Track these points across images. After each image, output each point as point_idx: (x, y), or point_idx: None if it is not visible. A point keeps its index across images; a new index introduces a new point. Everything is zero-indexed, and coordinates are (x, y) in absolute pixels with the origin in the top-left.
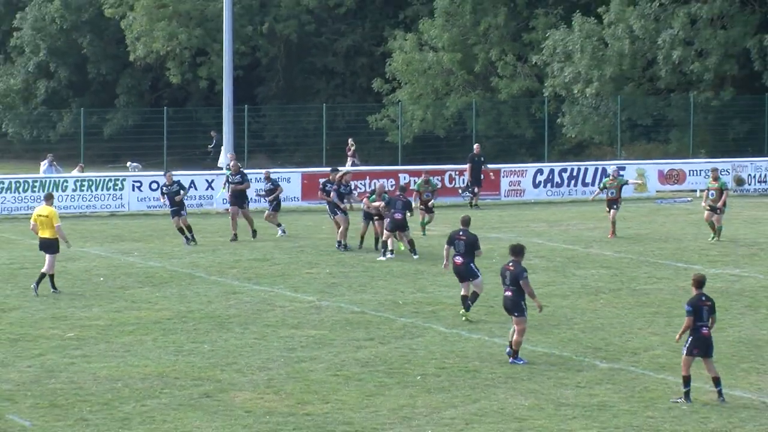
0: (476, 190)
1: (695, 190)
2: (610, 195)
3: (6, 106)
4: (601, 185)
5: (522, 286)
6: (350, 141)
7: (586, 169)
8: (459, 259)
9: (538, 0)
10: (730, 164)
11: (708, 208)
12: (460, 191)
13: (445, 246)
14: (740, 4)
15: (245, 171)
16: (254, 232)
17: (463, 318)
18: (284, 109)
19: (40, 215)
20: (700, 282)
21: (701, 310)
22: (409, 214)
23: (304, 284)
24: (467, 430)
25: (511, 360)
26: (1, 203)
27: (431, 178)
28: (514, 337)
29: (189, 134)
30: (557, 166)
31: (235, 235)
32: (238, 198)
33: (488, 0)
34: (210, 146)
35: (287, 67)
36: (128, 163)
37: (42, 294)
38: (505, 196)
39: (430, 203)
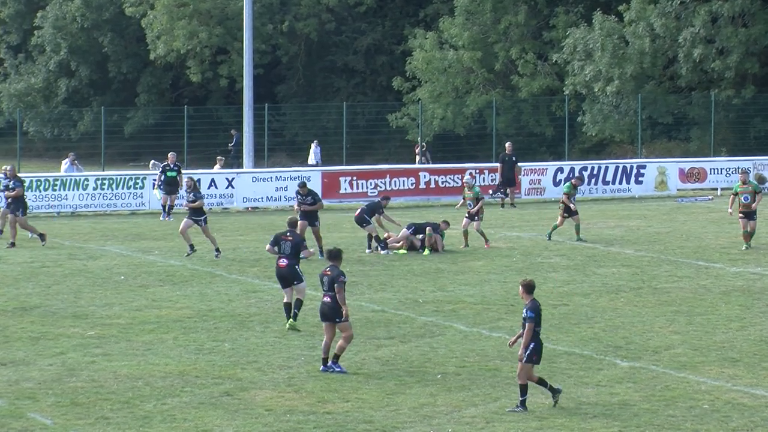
0: (508, 190)
1: (716, 189)
2: (743, 201)
3: (27, 104)
4: (734, 190)
5: (336, 292)
6: (419, 140)
7: (607, 168)
8: (284, 262)
9: None
10: (751, 163)
11: (742, 214)
12: (491, 192)
13: (268, 247)
14: (761, 2)
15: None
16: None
17: (288, 328)
18: (304, 108)
19: None
20: (531, 287)
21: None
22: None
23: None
24: (487, 428)
25: (322, 368)
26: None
27: (474, 186)
28: (340, 342)
29: (209, 133)
30: (578, 164)
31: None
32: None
33: None
34: (230, 145)
35: (307, 65)
36: (151, 162)
37: (63, 292)
38: (525, 195)
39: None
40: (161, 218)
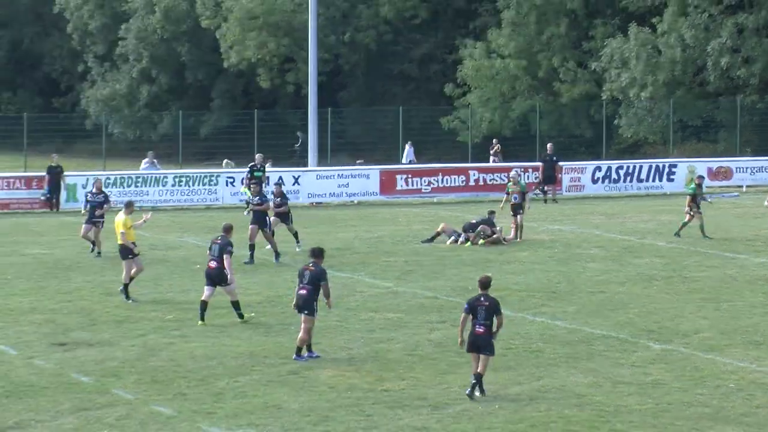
0: (548, 187)
1: (741, 186)
2: None
3: (112, 108)
4: None
5: (322, 287)
6: (495, 141)
7: (641, 167)
8: (213, 263)
9: (597, 11)
10: None
11: None
12: (534, 188)
13: (208, 253)
14: None
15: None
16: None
17: (200, 324)
18: (364, 112)
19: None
20: (483, 283)
21: (476, 309)
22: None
23: (382, 271)
24: (531, 405)
25: (294, 357)
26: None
27: (521, 180)
28: (300, 334)
29: (277, 134)
30: (614, 163)
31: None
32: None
33: (551, 11)
34: (296, 145)
35: (367, 73)
36: (224, 161)
37: (144, 280)
38: (566, 191)
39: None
40: (245, 213)
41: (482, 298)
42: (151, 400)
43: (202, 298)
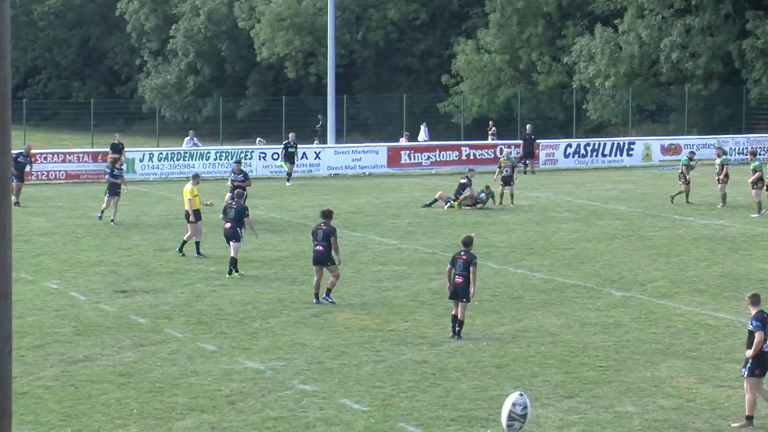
0: (528, 161)
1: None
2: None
3: (164, 95)
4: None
5: (332, 243)
6: (491, 123)
7: (605, 144)
8: (228, 224)
9: (569, 14)
10: (716, 140)
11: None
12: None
13: (221, 216)
14: (724, 17)
15: (345, 145)
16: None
17: (229, 276)
18: (374, 98)
19: (185, 190)
20: (464, 242)
21: (455, 261)
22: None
23: (389, 231)
24: (513, 342)
25: (324, 297)
26: (160, 169)
27: (512, 157)
28: (331, 279)
29: (301, 117)
30: (583, 141)
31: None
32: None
33: (530, 14)
34: (317, 126)
35: (376, 65)
36: (257, 139)
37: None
38: (542, 165)
39: (512, 178)
40: (287, 184)
41: (462, 253)
42: (197, 338)
43: (232, 255)
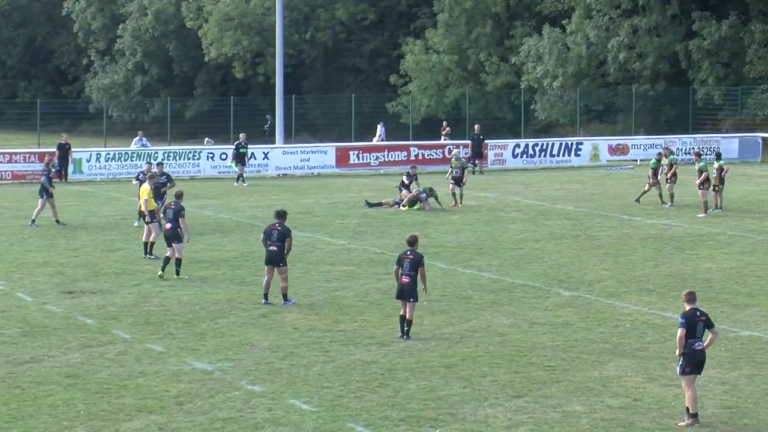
0: (476, 161)
1: (636, 160)
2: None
3: (111, 95)
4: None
5: (286, 243)
6: (444, 123)
7: (553, 144)
8: (168, 225)
9: (517, 14)
10: (663, 140)
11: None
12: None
13: (161, 215)
14: (671, 18)
15: (294, 145)
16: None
17: (159, 277)
18: (322, 98)
19: (141, 190)
20: (409, 241)
21: (402, 261)
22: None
23: (337, 231)
24: (462, 342)
25: (283, 303)
26: (108, 170)
27: (462, 158)
28: (281, 284)
29: (250, 117)
30: (531, 141)
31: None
32: None
33: (478, 14)
34: (266, 126)
35: (325, 65)
36: (205, 139)
37: (138, 239)
38: (491, 165)
39: (462, 179)
40: (235, 184)
41: (408, 252)
42: (145, 339)
43: (166, 255)
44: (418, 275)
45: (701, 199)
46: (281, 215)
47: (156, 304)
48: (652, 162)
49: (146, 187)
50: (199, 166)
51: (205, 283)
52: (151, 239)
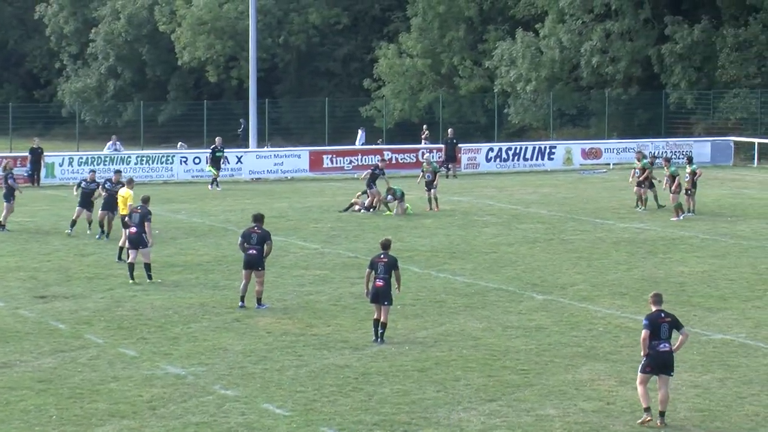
0: (450, 165)
1: (609, 164)
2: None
3: (84, 99)
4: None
5: (266, 246)
6: (425, 127)
7: (526, 148)
8: (133, 229)
9: (490, 18)
10: (635, 144)
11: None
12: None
13: (126, 219)
14: (643, 22)
15: (267, 149)
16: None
17: (132, 283)
18: (296, 102)
19: (121, 195)
20: (383, 244)
21: (376, 265)
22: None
23: (311, 235)
24: (435, 346)
25: (257, 308)
26: (81, 174)
27: (433, 162)
28: (257, 288)
29: (223, 121)
30: (504, 145)
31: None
32: None
33: (452, 18)
34: (239, 130)
35: (298, 69)
36: (179, 143)
37: (111, 243)
38: (464, 169)
39: (433, 183)
40: (209, 188)
41: (382, 256)
42: (118, 344)
43: (129, 261)
44: (393, 278)
45: (672, 204)
46: (258, 218)
47: (129, 309)
48: (644, 162)
49: (131, 192)
50: (172, 171)
51: (179, 287)
52: (123, 244)
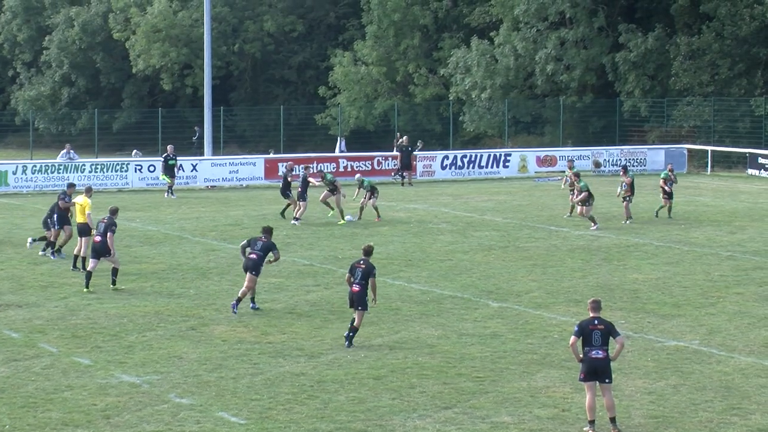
0: (404, 173)
1: (564, 171)
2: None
3: (38, 107)
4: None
5: (273, 253)
6: (398, 134)
7: (481, 155)
8: (98, 238)
9: (445, 26)
10: (590, 152)
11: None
12: (393, 174)
13: (93, 231)
14: (598, 30)
15: (222, 157)
16: None
17: (87, 291)
18: (251, 110)
19: (78, 203)
20: (365, 251)
21: (354, 270)
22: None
23: None
24: (391, 353)
25: (232, 304)
26: (34, 182)
27: (364, 180)
28: (244, 287)
29: (178, 129)
30: (459, 153)
31: None
32: None
33: (407, 26)
34: (194, 138)
35: (253, 77)
36: (133, 151)
37: (66, 251)
38: (420, 176)
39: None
40: (165, 196)
41: (361, 262)
42: (72, 353)
43: (88, 269)
44: (369, 285)
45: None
46: (267, 231)
47: (83, 317)
48: (664, 173)
49: (89, 201)
50: (126, 179)
51: (133, 295)
52: (78, 252)
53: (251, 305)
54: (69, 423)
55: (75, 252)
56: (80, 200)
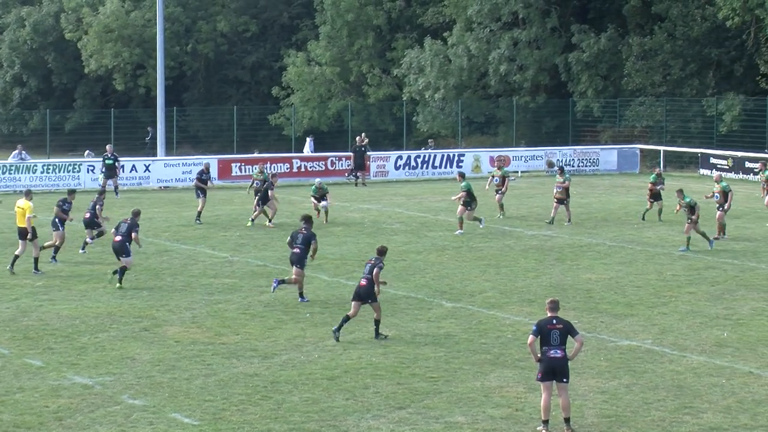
0: (358, 174)
1: (518, 171)
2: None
3: None
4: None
5: (312, 245)
6: (363, 135)
7: (435, 156)
8: (118, 238)
9: (398, 27)
10: (543, 152)
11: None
12: (346, 174)
13: (113, 230)
14: (551, 31)
15: (175, 157)
16: None
17: (118, 286)
18: (204, 110)
19: (18, 207)
20: (378, 250)
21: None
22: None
23: (220, 244)
24: (345, 354)
25: (301, 300)
26: None
27: (322, 184)
28: (293, 278)
29: (131, 129)
30: (413, 153)
31: None
32: None
33: (360, 27)
34: (147, 138)
35: (206, 77)
36: (86, 152)
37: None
38: (373, 177)
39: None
40: (116, 196)
41: (372, 258)
42: (24, 354)
43: (16, 253)
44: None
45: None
46: (307, 219)
47: (35, 319)
48: (652, 177)
49: (30, 204)
50: (79, 179)
51: (85, 296)
52: (19, 254)
53: (300, 299)
54: (20, 425)
55: (17, 252)
56: (21, 204)
